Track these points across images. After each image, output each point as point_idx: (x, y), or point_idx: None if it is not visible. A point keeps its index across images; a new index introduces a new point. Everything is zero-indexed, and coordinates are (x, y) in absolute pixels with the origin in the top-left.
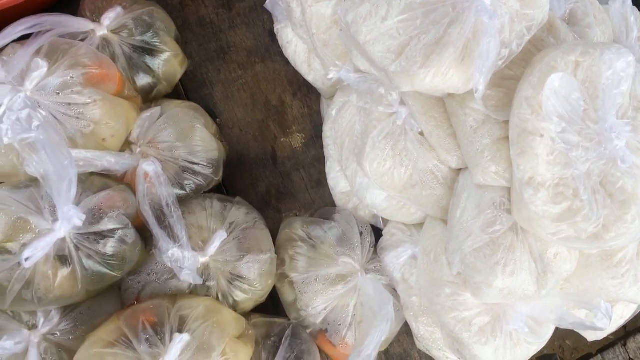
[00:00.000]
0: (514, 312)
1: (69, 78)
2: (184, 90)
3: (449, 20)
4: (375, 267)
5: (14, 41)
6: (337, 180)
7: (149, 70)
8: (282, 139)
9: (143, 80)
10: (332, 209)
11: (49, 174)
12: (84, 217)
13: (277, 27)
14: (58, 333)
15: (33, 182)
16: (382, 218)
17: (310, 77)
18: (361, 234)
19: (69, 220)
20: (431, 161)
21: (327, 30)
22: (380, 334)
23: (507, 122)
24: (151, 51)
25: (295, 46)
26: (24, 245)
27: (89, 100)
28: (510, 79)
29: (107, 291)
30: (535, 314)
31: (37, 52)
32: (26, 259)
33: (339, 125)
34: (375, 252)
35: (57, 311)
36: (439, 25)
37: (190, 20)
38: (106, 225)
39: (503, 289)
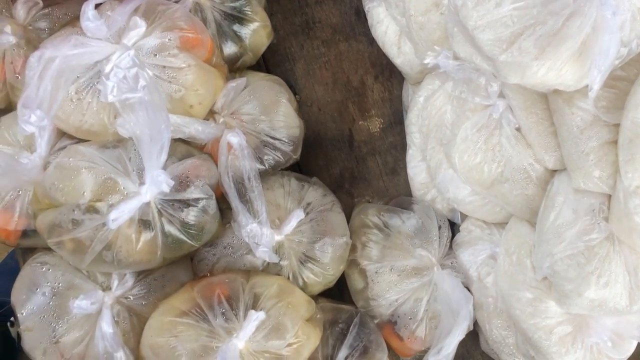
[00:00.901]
0: (597, 325)
1: (167, 40)
2: (265, 63)
3: (568, 12)
4: (451, 263)
5: None
6: (418, 170)
7: (237, 40)
8: (360, 122)
9: (230, 49)
10: (409, 198)
11: (143, 136)
12: (172, 183)
13: (369, 6)
14: (131, 297)
15: (120, 142)
16: (461, 213)
17: (398, 61)
18: (439, 227)
19: (158, 185)
20: (526, 159)
21: (426, 12)
22: (461, 334)
23: (617, 125)
24: (241, 20)
25: (386, 27)
26: (112, 206)
27: (184, 65)
28: (622, 80)
29: (180, 260)
30: (619, 329)
31: (135, 11)
32: (113, 220)
33: (427, 113)
34: (451, 247)
35: (132, 275)
36: (558, 17)
37: None
38: (191, 194)
39: (594, 300)
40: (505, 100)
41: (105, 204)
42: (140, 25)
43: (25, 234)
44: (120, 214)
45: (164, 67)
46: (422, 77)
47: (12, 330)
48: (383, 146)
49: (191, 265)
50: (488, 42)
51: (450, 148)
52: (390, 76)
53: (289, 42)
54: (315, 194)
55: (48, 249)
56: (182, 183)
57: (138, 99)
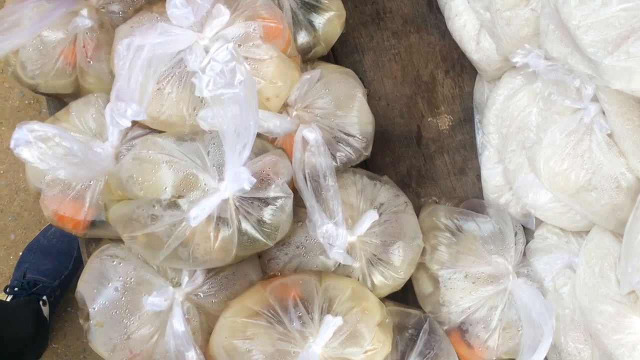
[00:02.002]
0: None
1: (251, 30)
2: (333, 53)
3: None
4: (526, 271)
5: None
6: (493, 172)
7: (311, 29)
8: (428, 119)
9: (303, 38)
10: (481, 201)
11: (228, 131)
12: (254, 181)
13: None
14: (201, 294)
15: (197, 135)
16: (536, 218)
17: (475, 56)
18: (515, 233)
19: (239, 182)
20: (618, 168)
21: (514, 7)
22: (546, 350)
23: None
24: (316, 8)
25: (464, 20)
26: (192, 202)
27: (266, 57)
28: None
29: (249, 258)
30: None
31: None
32: (194, 218)
33: (509, 114)
34: (524, 254)
35: (202, 272)
36: None
37: None
38: (271, 192)
39: None
40: (598, 104)
41: (186, 200)
42: (224, 14)
43: (93, 224)
44: (201, 211)
45: (246, 57)
46: (500, 74)
47: (45, 310)
48: (452, 144)
49: (259, 263)
50: (592, 44)
51: (535, 152)
52: (461, 71)
53: (359, 32)
54: (387, 194)
55: (114, 240)
56: (262, 181)
57: (233, 95)
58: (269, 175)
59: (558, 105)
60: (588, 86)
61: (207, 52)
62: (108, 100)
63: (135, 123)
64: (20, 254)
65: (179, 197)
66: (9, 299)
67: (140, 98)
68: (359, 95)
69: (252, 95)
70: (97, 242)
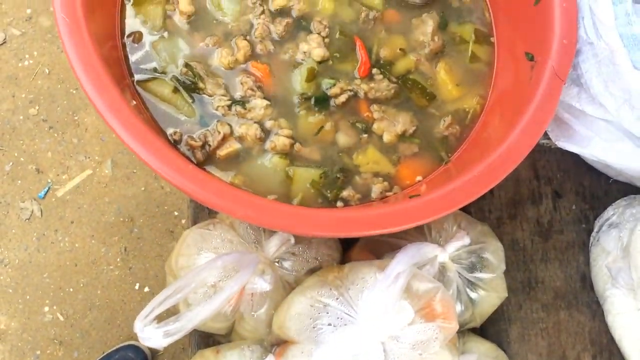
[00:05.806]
0: None
1: (432, 338)
2: None
3: None
4: None
5: None
6: None
7: (470, 306)
8: None
9: (461, 315)
10: None
11: None
12: None
13: (610, 292)
14: None
15: None
16: None
17: None
18: None
19: None
20: None
21: None
22: None
23: None
24: (481, 288)
25: (627, 322)
26: None
27: None
28: None
29: None
30: None
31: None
32: None
33: None
34: None
35: None
36: None
37: (503, 240)
38: None
39: None
40: None
41: None
42: (409, 314)
43: None
44: None
45: None
46: None
47: None
48: None
49: None
50: None
51: None
52: (609, 358)
53: (508, 299)
54: None
55: None
56: None
57: None
58: None
59: None
60: None
61: (385, 351)
62: (261, 355)
63: None
64: None
65: None
66: None
67: None
68: None
69: None
70: None
